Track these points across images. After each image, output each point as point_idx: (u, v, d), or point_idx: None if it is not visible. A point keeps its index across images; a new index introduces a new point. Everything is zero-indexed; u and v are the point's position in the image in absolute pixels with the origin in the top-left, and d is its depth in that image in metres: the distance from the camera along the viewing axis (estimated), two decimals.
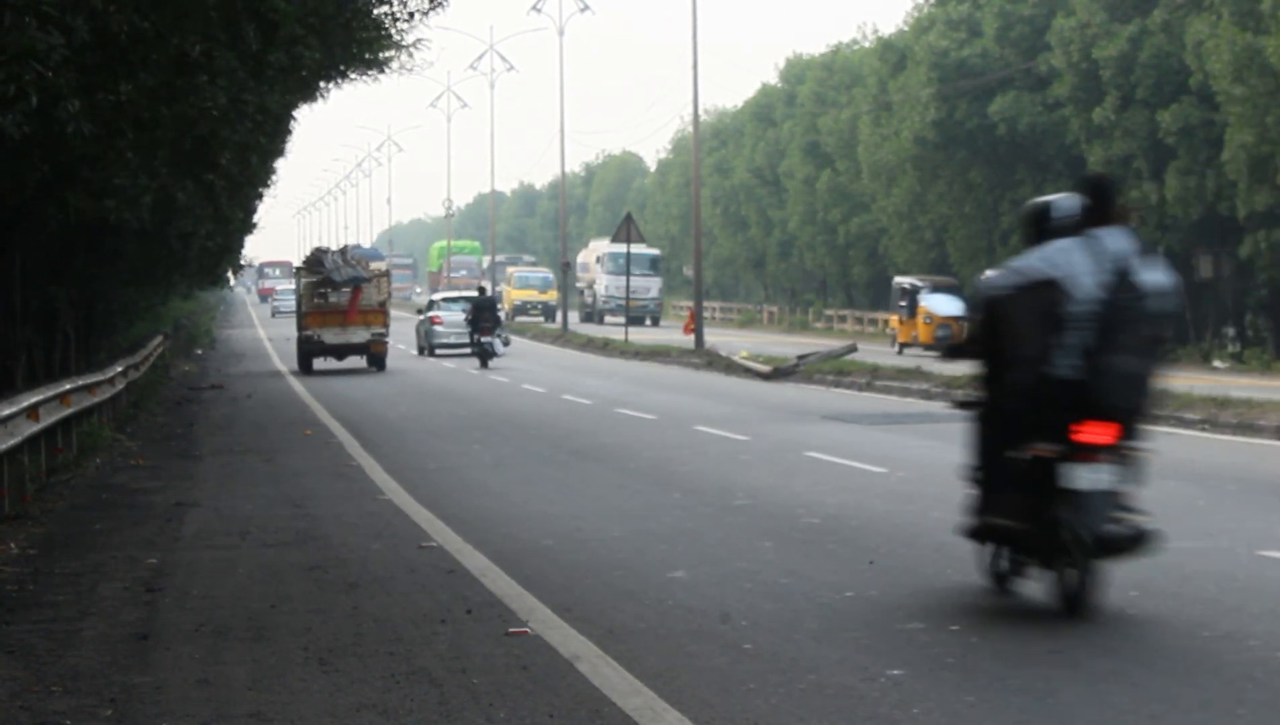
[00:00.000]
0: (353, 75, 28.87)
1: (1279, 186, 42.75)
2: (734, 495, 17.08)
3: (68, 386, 20.66)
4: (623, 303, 68.71)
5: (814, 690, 8.77)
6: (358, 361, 44.83)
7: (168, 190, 21.01)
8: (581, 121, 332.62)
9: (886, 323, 60.22)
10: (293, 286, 60.14)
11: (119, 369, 27.78)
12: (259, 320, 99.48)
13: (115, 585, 12.36)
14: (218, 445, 24.11)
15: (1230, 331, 48.35)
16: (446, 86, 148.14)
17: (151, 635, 10.51)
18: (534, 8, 73.62)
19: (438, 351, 52.86)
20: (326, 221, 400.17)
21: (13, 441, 16.24)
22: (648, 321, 77.68)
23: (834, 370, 36.58)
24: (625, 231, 56.00)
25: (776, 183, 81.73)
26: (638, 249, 78.97)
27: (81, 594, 12.04)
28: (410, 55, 28.27)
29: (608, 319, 77.93)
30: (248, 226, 38.58)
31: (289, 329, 58.42)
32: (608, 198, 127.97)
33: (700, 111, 57.00)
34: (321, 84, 28.73)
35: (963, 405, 11.24)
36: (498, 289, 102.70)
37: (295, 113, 31.06)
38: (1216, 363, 45.36)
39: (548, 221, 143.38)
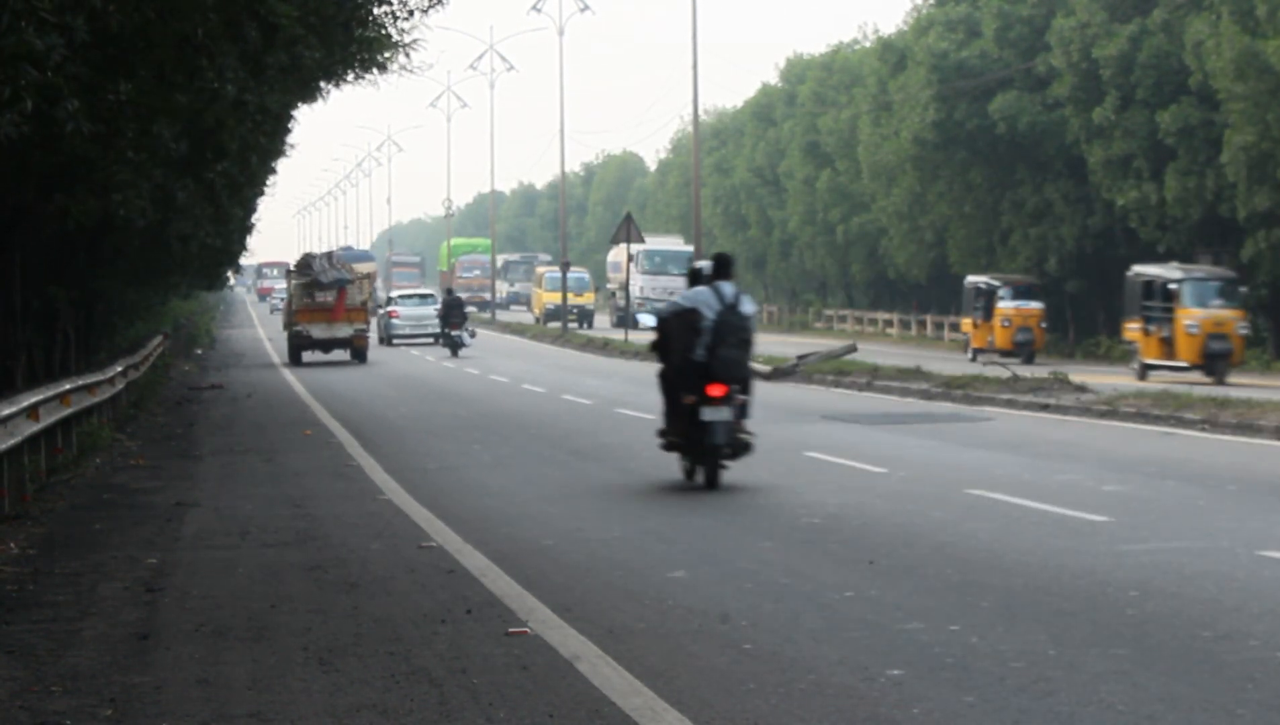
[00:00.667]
0: (353, 75, 28.83)
1: (1279, 187, 42.74)
2: (734, 495, 17.07)
3: (68, 386, 20.65)
4: (660, 306, 65.18)
5: (814, 690, 8.77)
6: (340, 354, 49.77)
7: (168, 190, 21.00)
8: (581, 121, 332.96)
9: (955, 327, 55.31)
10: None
11: (119, 369, 27.77)
12: (259, 320, 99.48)
13: (115, 585, 12.36)
14: (218, 445, 24.11)
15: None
16: (446, 86, 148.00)
17: (151, 635, 10.51)
18: (534, 8, 73.67)
19: (395, 341, 61.50)
20: (326, 221, 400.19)
21: (13, 441, 16.24)
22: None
23: (834, 370, 36.58)
24: (625, 232, 55.93)
25: (776, 183, 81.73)
26: (675, 246, 74.54)
27: (81, 594, 12.04)
28: (410, 55, 28.24)
29: (644, 323, 73.88)
30: (247, 227, 38.66)
31: None
32: (608, 198, 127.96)
33: (700, 111, 57.05)
34: (321, 84, 28.69)
35: (660, 376, 18.04)
36: (513, 290, 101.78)
37: (295, 113, 31.06)
38: None
39: (547, 221, 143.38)
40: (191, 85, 15.30)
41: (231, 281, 71.57)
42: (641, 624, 10.54)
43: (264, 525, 15.38)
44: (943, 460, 19.93)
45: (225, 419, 29.42)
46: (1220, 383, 35.69)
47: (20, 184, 19.02)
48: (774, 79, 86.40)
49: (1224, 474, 18.07)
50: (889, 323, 70.66)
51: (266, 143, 25.12)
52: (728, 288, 17.48)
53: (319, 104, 33.70)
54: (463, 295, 66.72)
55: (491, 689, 8.84)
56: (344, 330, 48.87)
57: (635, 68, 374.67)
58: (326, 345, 49.17)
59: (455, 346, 53.06)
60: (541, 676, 9.12)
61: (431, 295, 67.91)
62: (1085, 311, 57.01)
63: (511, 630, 10.29)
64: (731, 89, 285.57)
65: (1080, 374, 33.10)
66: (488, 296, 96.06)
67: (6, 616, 11.23)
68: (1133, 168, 48.83)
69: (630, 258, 71.84)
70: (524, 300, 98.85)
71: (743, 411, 17.39)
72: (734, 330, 17.30)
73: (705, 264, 18.16)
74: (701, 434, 17.17)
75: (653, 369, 19.15)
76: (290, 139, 33.27)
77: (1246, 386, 32.54)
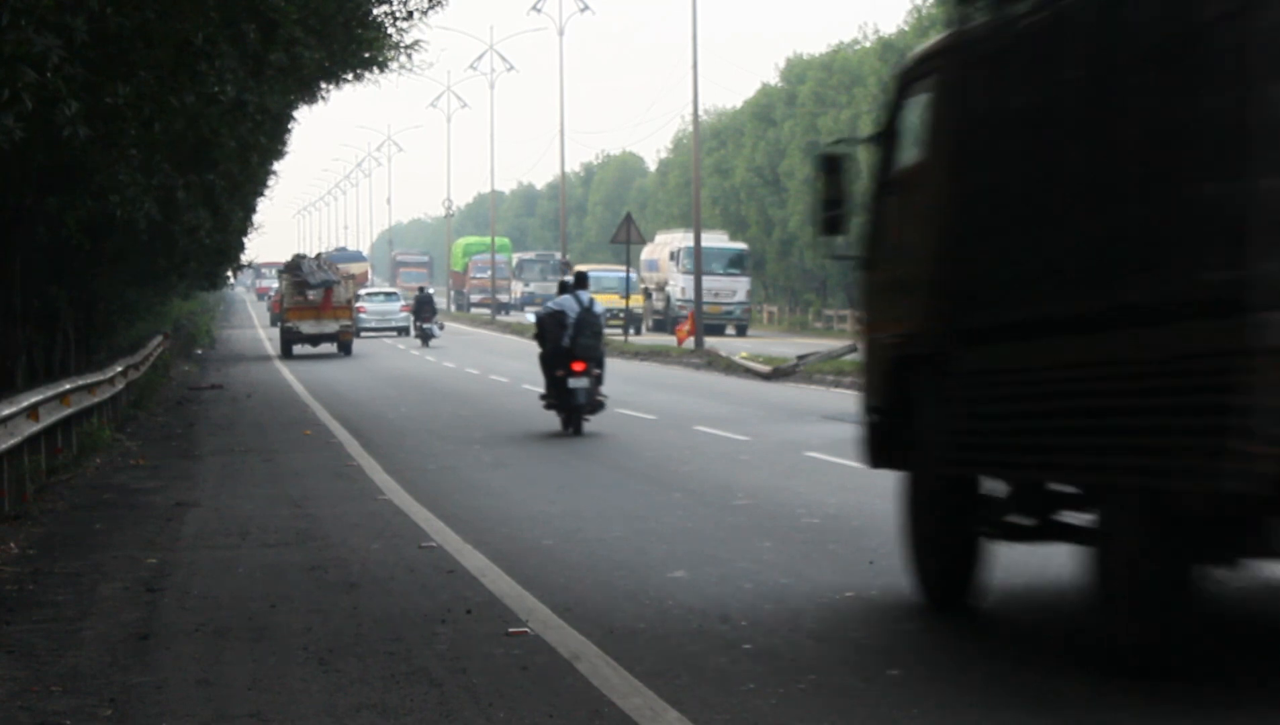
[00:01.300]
0: (352, 75, 28.87)
1: None
2: (734, 495, 17.08)
3: (68, 386, 20.66)
4: (705, 310, 57.26)
5: (814, 690, 8.77)
6: (328, 347, 55.31)
7: (167, 189, 21.01)
8: (581, 121, 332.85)
9: None
10: None
11: (119, 369, 27.78)
12: (258, 320, 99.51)
13: (115, 585, 12.36)
14: (218, 445, 24.12)
15: None
16: (446, 86, 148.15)
17: (151, 635, 10.51)
18: (534, 8, 73.74)
19: (362, 333, 66.75)
20: (326, 221, 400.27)
21: (13, 441, 16.24)
22: (730, 330, 65.26)
23: (834, 370, 36.57)
24: (625, 231, 55.93)
25: (776, 183, 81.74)
26: (720, 242, 69.50)
27: (81, 594, 12.05)
28: (410, 55, 28.27)
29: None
30: (247, 227, 38.71)
31: None
32: (607, 198, 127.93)
33: (700, 111, 57.01)
34: (321, 84, 28.73)
35: (540, 358, 24.73)
36: (528, 290, 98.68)
37: (295, 113, 31.09)
38: None
39: (547, 221, 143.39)
40: (191, 88, 15.31)
41: (232, 281, 72.00)
42: (641, 624, 10.54)
43: (264, 525, 15.39)
44: None
45: (225, 419, 29.43)
46: None
47: (20, 184, 19.02)
48: (774, 79, 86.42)
49: None
50: None
51: (266, 143, 25.15)
52: (584, 295, 24.42)
53: (319, 104, 33.75)
54: (476, 296, 67.44)
55: (491, 689, 8.84)
56: (330, 326, 54.41)
57: (635, 68, 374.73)
58: (315, 339, 54.70)
59: (426, 337, 60.81)
60: (541, 676, 9.12)
61: (395, 293, 77.03)
62: None
63: (511, 630, 10.29)
64: (731, 89, 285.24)
65: None
66: (504, 298, 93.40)
67: (6, 616, 11.24)
68: None
69: (672, 256, 68.08)
70: (540, 301, 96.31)
71: (598, 381, 24.30)
72: (589, 325, 24.15)
73: (569, 280, 25.60)
74: (569, 397, 24.11)
75: (653, 369, 19.24)
76: (290, 139, 33.34)
77: None
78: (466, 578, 12.31)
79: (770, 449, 21.83)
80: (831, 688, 8.81)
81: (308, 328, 54.48)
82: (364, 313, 68.79)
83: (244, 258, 40.72)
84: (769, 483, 18.06)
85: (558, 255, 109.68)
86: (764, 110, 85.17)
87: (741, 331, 66.34)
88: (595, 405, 24.28)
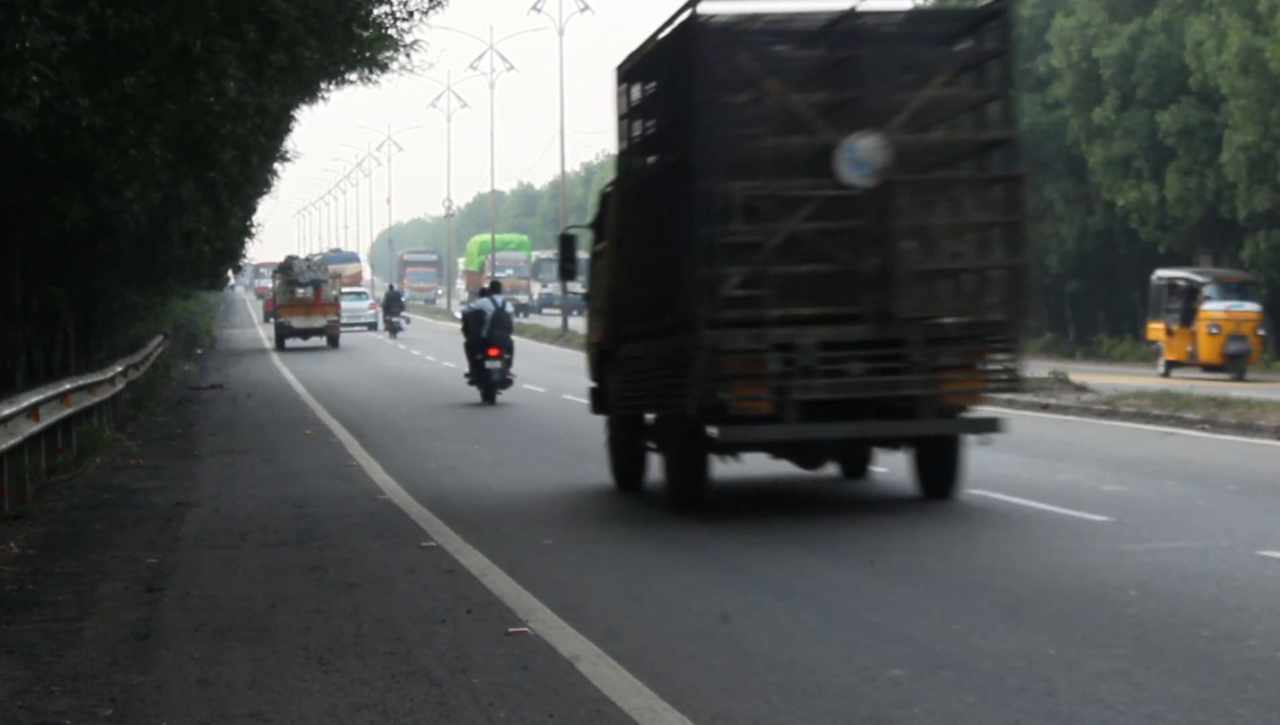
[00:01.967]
0: (353, 75, 28.87)
1: (1279, 187, 42.73)
2: (734, 495, 17.07)
3: (68, 386, 20.65)
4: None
5: (814, 690, 8.77)
6: (318, 340, 61.79)
7: (168, 189, 21.01)
8: (581, 121, 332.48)
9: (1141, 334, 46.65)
10: None
11: (119, 369, 27.78)
12: (258, 319, 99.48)
13: (115, 585, 12.36)
14: (218, 445, 24.11)
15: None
16: (446, 86, 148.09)
17: (151, 635, 10.51)
18: (534, 8, 73.61)
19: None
20: (327, 221, 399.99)
21: (13, 441, 16.24)
22: None
23: None
24: None
25: None
26: None
27: (81, 594, 12.04)
28: (410, 55, 28.26)
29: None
30: (247, 228, 38.72)
31: None
32: None
33: None
34: (321, 84, 28.73)
35: (465, 346, 32.06)
36: (546, 291, 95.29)
37: (295, 113, 31.07)
38: None
39: (548, 221, 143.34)
40: (191, 88, 15.31)
41: (232, 281, 72.52)
42: (641, 624, 10.54)
43: (264, 525, 15.38)
44: None
45: (225, 419, 29.43)
46: (1240, 380, 36.22)
47: (21, 184, 19.01)
48: None
49: (1224, 474, 18.07)
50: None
51: (266, 143, 25.14)
52: (499, 298, 32.09)
53: (319, 104, 33.78)
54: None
55: (491, 689, 8.84)
56: (319, 321, 60.93)
57: None
58: (305, 333, 61.05)
59: (395, 330, 68.93)
60: (541, 676, 9.12)
61: (365, 292, 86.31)
62: (1085, 311, 57.03)
63: (511, 630, 10.29)
64: None
65: (1103, 375, 33.04)
66: (524, 299, 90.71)
67: (6, 616, 11.23)
68: (1133, 168, 48.82)
69: None
70: (559, 302, 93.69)
71: (508, 364, 31.54)
72: (501, 322, 31.37)
73: (489, 283, 34.78)
74: (486, 375, 31.40)
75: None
76: (291, 141, 33.33)
77: (1247, 387, 32.54)
78: (466, 578, 12.31)
79: None
80: (831, 688, 8.80)
81: (298, 322, 60.70)
82: None
83: (243, 258, 40.95)
84: (769, 484, 18.04)
85: (584, 256, 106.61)
86: None
87: None
88: (505, 382, 31.53)
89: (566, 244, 20.74)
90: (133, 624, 10.88)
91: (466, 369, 32.05)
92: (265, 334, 77.10)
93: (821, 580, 12.06)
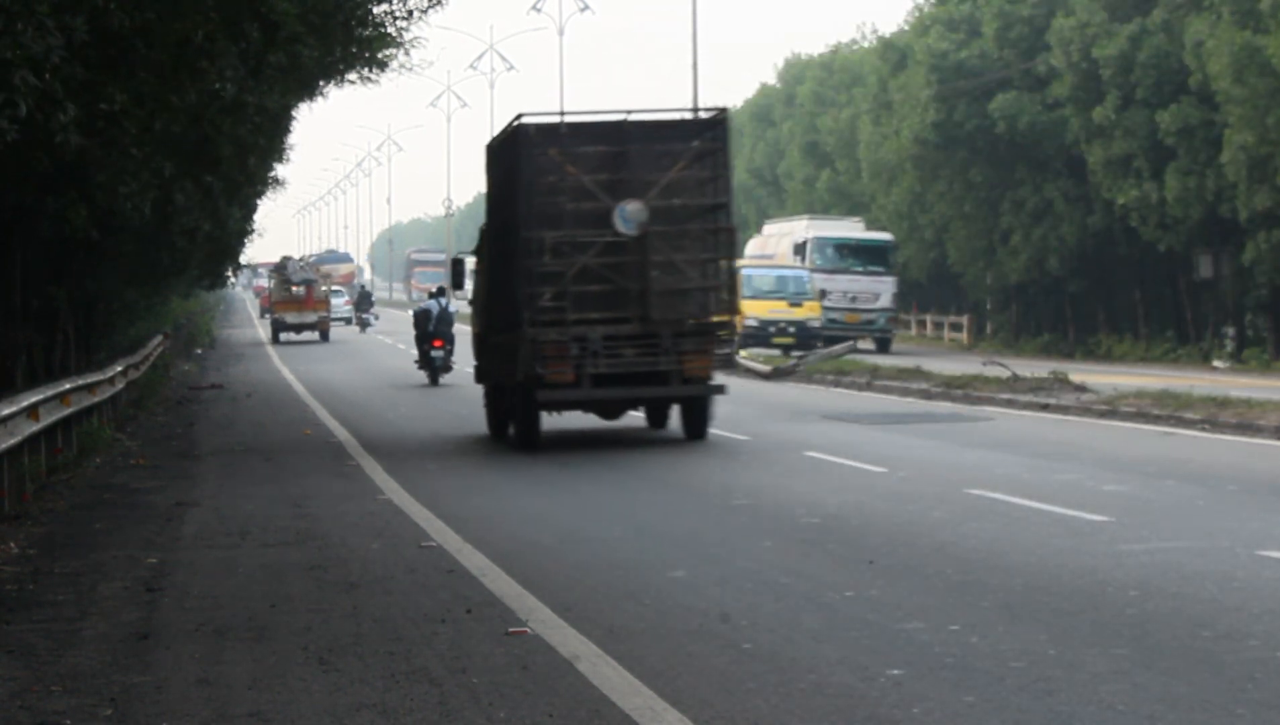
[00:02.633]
0: (352, 75, 28.83)
1: (1279, 187, 42.72)
2: (734, 495, 17.08)
3: (68, 386, 20.65)
4: (841, 318, 50.19)
5: (814, 690, 8.77)
6: (310, 335, 67.82)
7: (167, 189, 20.99)
8: None
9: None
10: None
11: (119, 369, 27.78)
12: (258, 320, 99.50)
13: (115, 585, 12.36)
14: (218, 445, 24.11)
15: (1230, 331, 48.34)
16: (446, 86, 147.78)
17: (151, 635, 10.51)
18: (534, 8, 73.82)
19: None
20: (326, 221, 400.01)
21: (13, 441, 16.24)
22: (868, 342, 51.93)
23: (834, 370, 36.58)
24: None
25: (776, 183, 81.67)
26: (855, 232, 56.32)
27: (81, 594, 12.04)
28: (410, 54, 28.23)
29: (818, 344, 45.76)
30: (247, 228, 38.78)
31: None
32: None
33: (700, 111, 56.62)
34: (321, 83, 28.70)
35: (415, 338, 39.81)
36: None
37: (295, 112, 31.06)
38: (1216, 363, 45.36)
39: None
40: (191, 88, 15.28)
41: (232, 281, 72.76)
42: (641, 624, 10.54)
43: (264, 525, 15.38)
44: (943, 460, 19.93)
45: (225, 419, 29.43)
46: None
47: (20, 185, 19.00)
48: (773, 79, 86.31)
49: (1224, 474, 18.07)
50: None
51: (265, 143, 25.12)
52: (443, 300, 38.97)
53: (319, 104, 33.83)
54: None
55: (491, 689, 8.84)
56: (311, 317, 67.49)
57: (635, 67, 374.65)
58: (298, 327, 67.47)
59: (364, 325, 76.71)
60: (541, 676, 9.12)
61: (341, 290, 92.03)
62: (1086, 311, 57.01)
63: (511, 630, 10.29)
64: (731, 89, 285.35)
65: (1144, 377, 33.03)
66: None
67: (6, 616, 11.23)
68: (1133, 167, 48.79)
69: (797, 249, 54.28)
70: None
71: (449, 353, 38.24)
72: (445, 319, 38.20)
73: (436, 288, 41.59)
74: (431, 362, 38.06)
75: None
76: (290, 140, 33.31)
77: (1246, 386, 32.53)
78: (466, 577, 12.31)
79: (770, 449, 21.84)
80: (831, 688, 8.81)
81: (292, 318, 67.38)
82: None
83: (243, 258, 41.25)
84: (769, 483, 18.06)
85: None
86: (763, 111, 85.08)
87: (884, 346, 52.72)
88: (447, 368, 38.54)
89: (457, 265, 30.02)
90: (132, 624, 10.88)
91: (416, 357, 39.45)
92: (263, 329, 78.30)
93: (821, 580, 12.06)
